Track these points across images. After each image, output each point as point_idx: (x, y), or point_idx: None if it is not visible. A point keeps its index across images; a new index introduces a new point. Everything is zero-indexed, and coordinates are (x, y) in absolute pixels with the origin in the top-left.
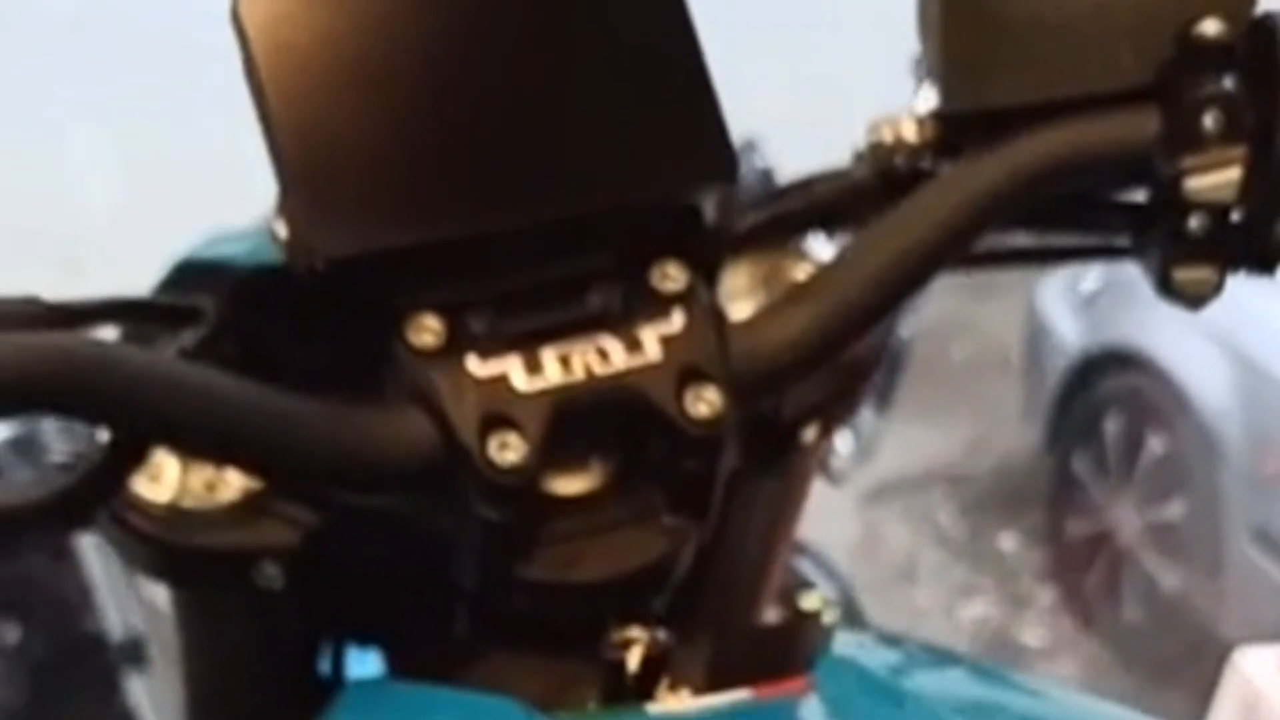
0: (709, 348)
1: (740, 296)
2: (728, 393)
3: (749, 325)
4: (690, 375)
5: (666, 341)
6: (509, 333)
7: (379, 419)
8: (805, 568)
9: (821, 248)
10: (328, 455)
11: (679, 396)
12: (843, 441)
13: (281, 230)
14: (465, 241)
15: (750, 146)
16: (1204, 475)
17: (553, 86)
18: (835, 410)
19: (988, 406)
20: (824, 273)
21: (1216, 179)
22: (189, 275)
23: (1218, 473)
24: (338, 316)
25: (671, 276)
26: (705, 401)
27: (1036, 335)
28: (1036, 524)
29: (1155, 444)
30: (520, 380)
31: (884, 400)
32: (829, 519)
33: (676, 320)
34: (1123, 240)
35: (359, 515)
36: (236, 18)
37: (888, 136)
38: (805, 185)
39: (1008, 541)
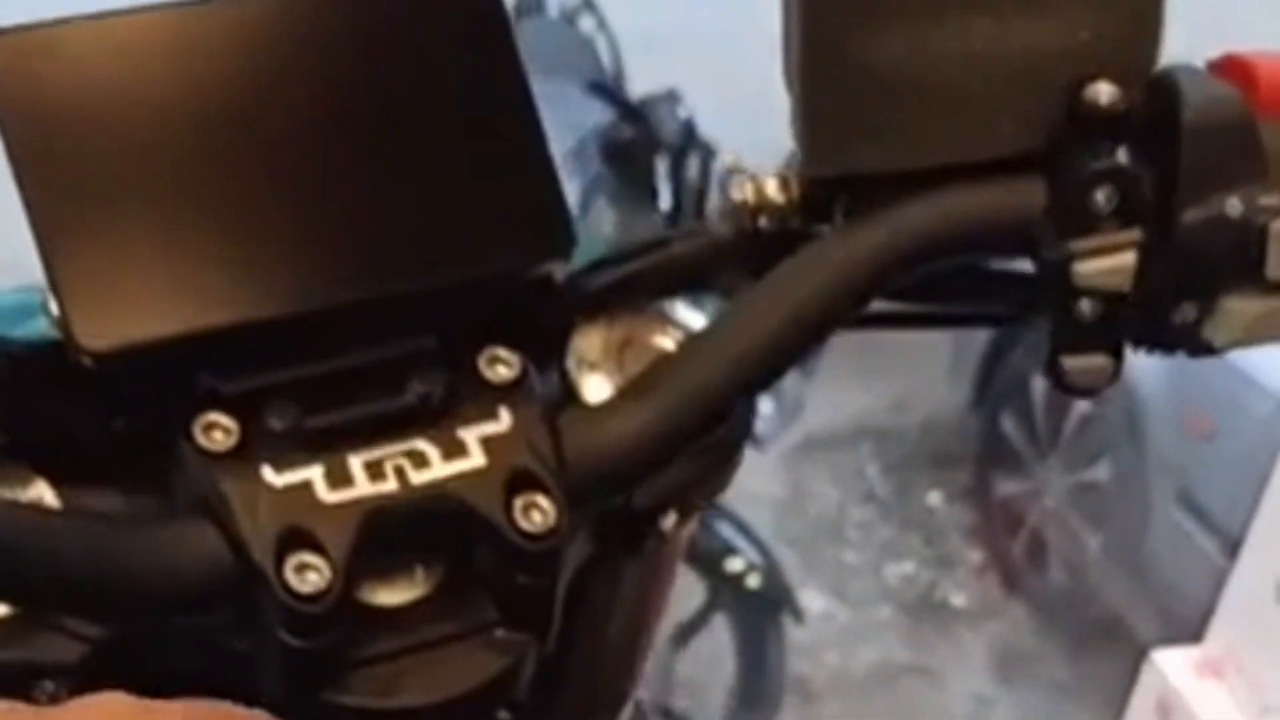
0: (541, 449)
1: (593, 365)
2: (563, 500)
3: (590, 418)
4: (520, 482)
5: (492, 442)
6: (312, 433)
7: (163, 533)
8: (725, 530)
9: (681, 311)
10: (100, 577)
11: (507, 506)
12: (766, 404)
13: (54, 306)
14: (260, 326)
15: (672, 97)
16: (1130, 436)
17: (365, 145)
18: (698, 494)
19: (915, 363)
20: (679, 352)
21: (1109, 264)
22: None
23: (1143, 434)
24: (120, 406)
25: (502, 363)
26: (537, 511)
27: None
28: (965, 483)
29: (1081, 404)
30: (324, 490)
31: (807, 362)
32: (754, 475)
33: (504, 418)
34: (1012, 309)
35: (150, 630)
36: None
37: (750, 195)
38: (662, 243)
39: (935, 499)
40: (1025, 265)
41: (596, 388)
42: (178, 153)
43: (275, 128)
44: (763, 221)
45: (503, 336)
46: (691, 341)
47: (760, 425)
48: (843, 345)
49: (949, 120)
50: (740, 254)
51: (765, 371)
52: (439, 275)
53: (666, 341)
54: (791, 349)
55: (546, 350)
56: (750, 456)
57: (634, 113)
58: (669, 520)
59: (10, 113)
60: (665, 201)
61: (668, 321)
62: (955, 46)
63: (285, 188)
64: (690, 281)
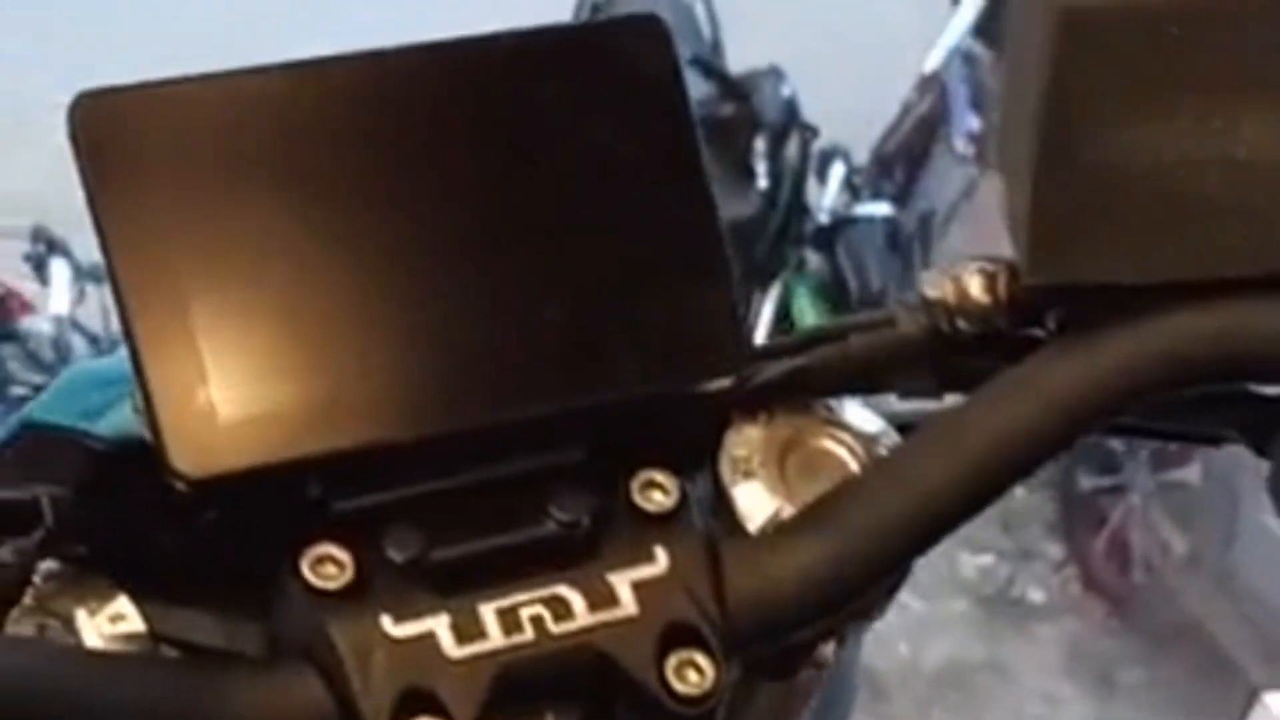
0: (701, 597)
1: (750, 472)
2: (723, 658)
3: (757, 554)
4: (675, 637)
5: (646, 589)
6: (438, 568)
7: (262, 680)
8: None
9: (852, 411)
10: None
11: (660, 663)
12: None
13: (142, 412)
14: (383, 450)
15: (775, 74)
16: None
17: (509, 236)
18: (861, 622)
19: None
20: (866, 477)
21: None
22: (32, 445)
23: None
24: (216, 529)
25: (658, 489)
26: (694, 670)
27: None
28: (1048, 475)
29: None
30: (450, 644)
31: None
32: None
33: (660, 558)
34: (1240, 433)
35: None
36: (75, 135)
37: (950, 294)
38: (837, 334)
39: (1017, 490)
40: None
41: (755, 499)
42: (293, 244)
43: (404, 215)
44: (961, 323)
45: (658, 454)
46: (883, 465)
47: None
48: None
49: (1209, 229)
50: (929, 355)
51: (971, 503)
52: (593, 394)
53: (836, 447)
54: (1002, 479)
55: (698, 454)
56: None
57: (735, 89)
58: (829, 648)
59: (102, 189)
60: (762, 181)
61: (837, 423)
62: (1221, 148)
63: (416, 286)
64: (867, 380)
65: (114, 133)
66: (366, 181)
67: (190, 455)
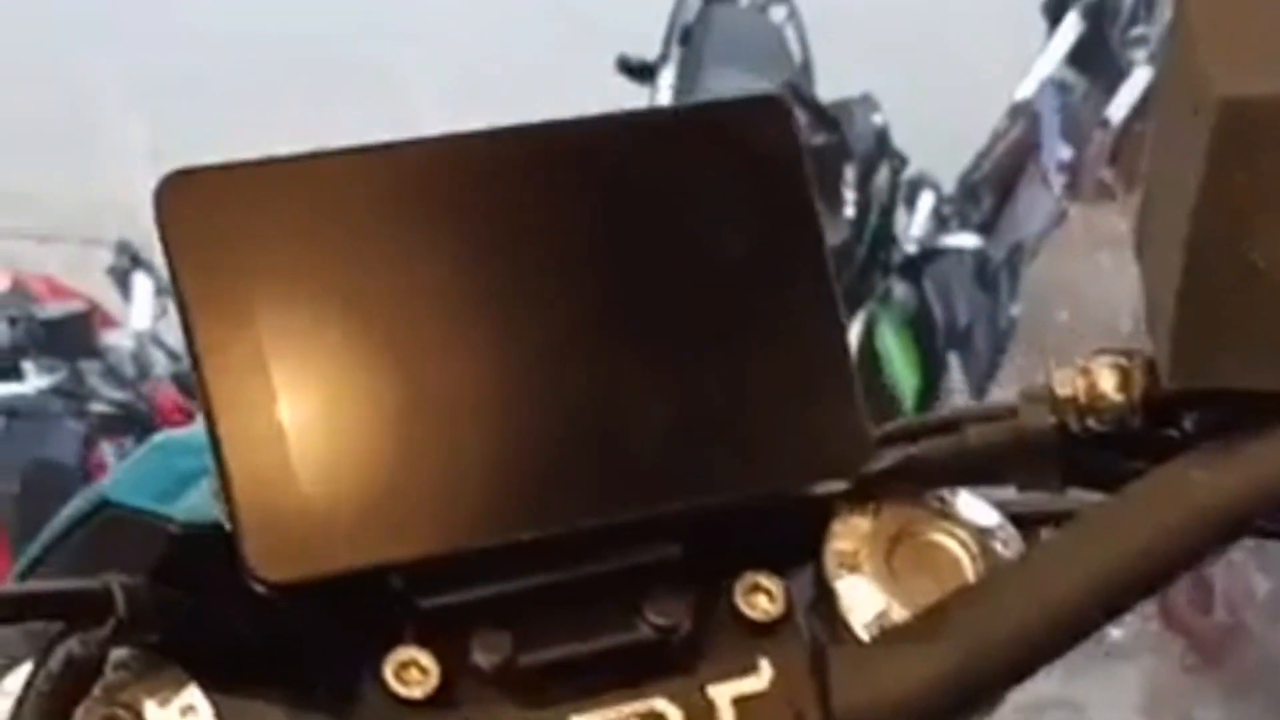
0: (808, 713)
1: (855, 566)
2: None
3: (867, 666)
4: None
5: (749, 705)
6: (526, 675)
7: None
8: None
9: (966, 502)
10: None
11: None
12: None
13: (221, 507)
14: (471, 554)
15: (868, 103)
16: None
17: (608, 326)
18: None
19: None
20: (993, 581)
21: None
22: (107, 526)
23: None
24: (296, 628)
25: (763, 593)
26: None
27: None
28: None
29: None
30: None
31: (982, 383)
32: None
33: (764, 671)
34: None
35: None
36: (162, 214)
37: (1080, 391)
38: (952, 424)
39: None
40: None
41: (861, 596)
42: (382, 335)
43: (501, 306)
44: (1091, 421)
45: (762, 554)
46: (1009, 569)
47: None
48: (1013, 353)
49: None
50: (1052, 449)
51: (1104, 614)
52: (695, 498)
53: (949, 542)
54: (1140, 589)
55: (802, 548)
56: None
57: (826, 117)
58: None
59: (187, 272)
60: (849, 210)
61: (950, 516)
62: None
63: (510, 381)
64: (983, 472)
65: (201, 213)
66: (462, 270)
67: (272, 558)
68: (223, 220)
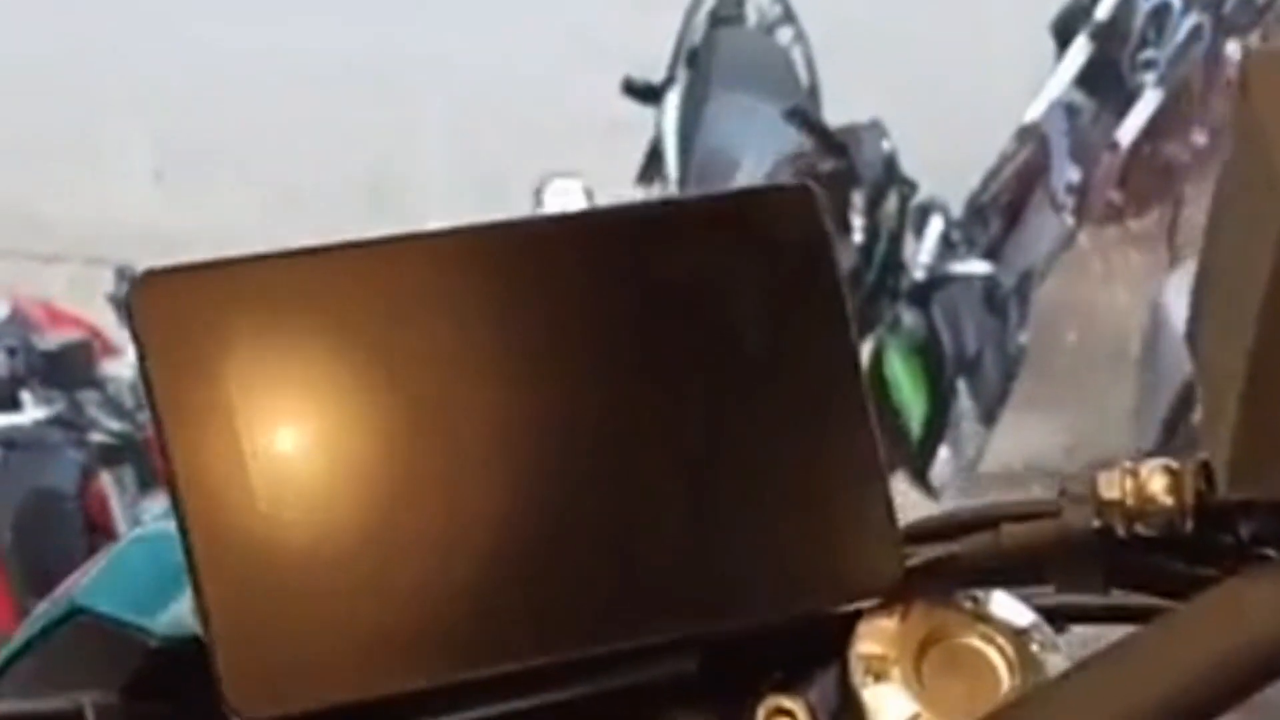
0: None
1: (883, 674)
2: None
3: None
4: None
5: None
6: None
7: None
8: None
9: (1000, 603)
10: None
11: None
12: (944, 450)
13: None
14: (465, 686)
15: (876, 129)
16: None
17: (632, 445)
18: None
19: (1099, 402)
20: (1040, 696)
21: None
22: (80, 635)
23: None
24: None
25: (787, 717)
26: None
27: (1159, 331)
28: None
29: None
30: None
31: (991, 411)
32: (920, 509)
33: None
34: None
35: None
36: (134, 319)
37: (1129, 494)
38: (987, 521)
39: None
40: None
41: (889, 705)
42: (371, 448)
43: (502, 413)
44: (1139, 526)
45: (791, 684)
46: (1052, 692)
47: (938, 472)
48: (1023, 376)
49: None
50: (1096, 551)
51: None
52: (719, 622)
53: (983, 645)
54: (1198, 712)
55: (825, 656)
56: (920, 501)
57: (834, 142)
58: None
59: (162, 373)
60: (857, 236)
61: (983, 617)
62: None
63: (512, 494)
64: (1021, 572)
65: (174, 316)
66: (458, 371)
67: (252, 695)
68: (196, 322)
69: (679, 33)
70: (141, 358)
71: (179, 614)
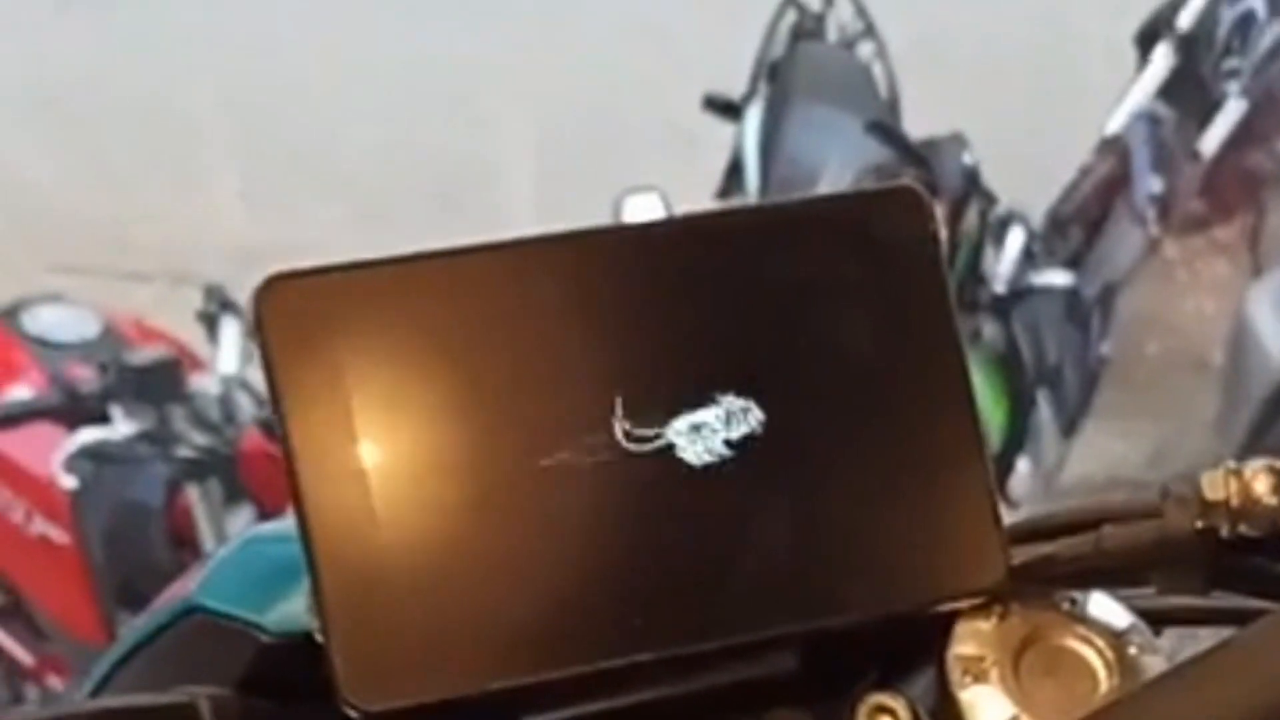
0: None
1: (982, 674)
2: None
3: None
4: None
5: None
6: None
7: None
8: None
9: (1099, 605)
10: None
11: None
12: (1023, 463)
13: (316, 627)
14: (571, 681)
15: (957, 141)
16: None
17: (743, 447)
18: None
19: (1182, 410)
20: (1137, 702)
21: None
22: (195, 633)
23: None
24: None
25: (888, 714)
26: None
27: (1241, 340)
28: None
29: None
30: None
31: (1073, 422)
32: None
33: None
34: None
35: None
36: (261, 320)
37: (1234, 495)
38: (1089, 522)
39: None
40: None
41: (987, 706)
42: (485, 449)
43: (614, 413)
44: (1243, 527)
45: (892, 682)
46: (1156, 691)
47: (1017, 484)
48: (1104, 386)
49: None
50: (1199, 554)
51: None
52: (821, 620)
53: (1081, 647)
54: None
55: (924, 655)
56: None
57: (915, 155)
58: None
59: (286, 373)
60: None
61: (1082, 619)
62: None
63: (621, 496)
64: (1121, 574)
65: (297, 315)
66: (570, 373)
67: (367, 687)
68: (318, 323)
69: (760, 47)
70: (266, 358)
71: (289, 612)
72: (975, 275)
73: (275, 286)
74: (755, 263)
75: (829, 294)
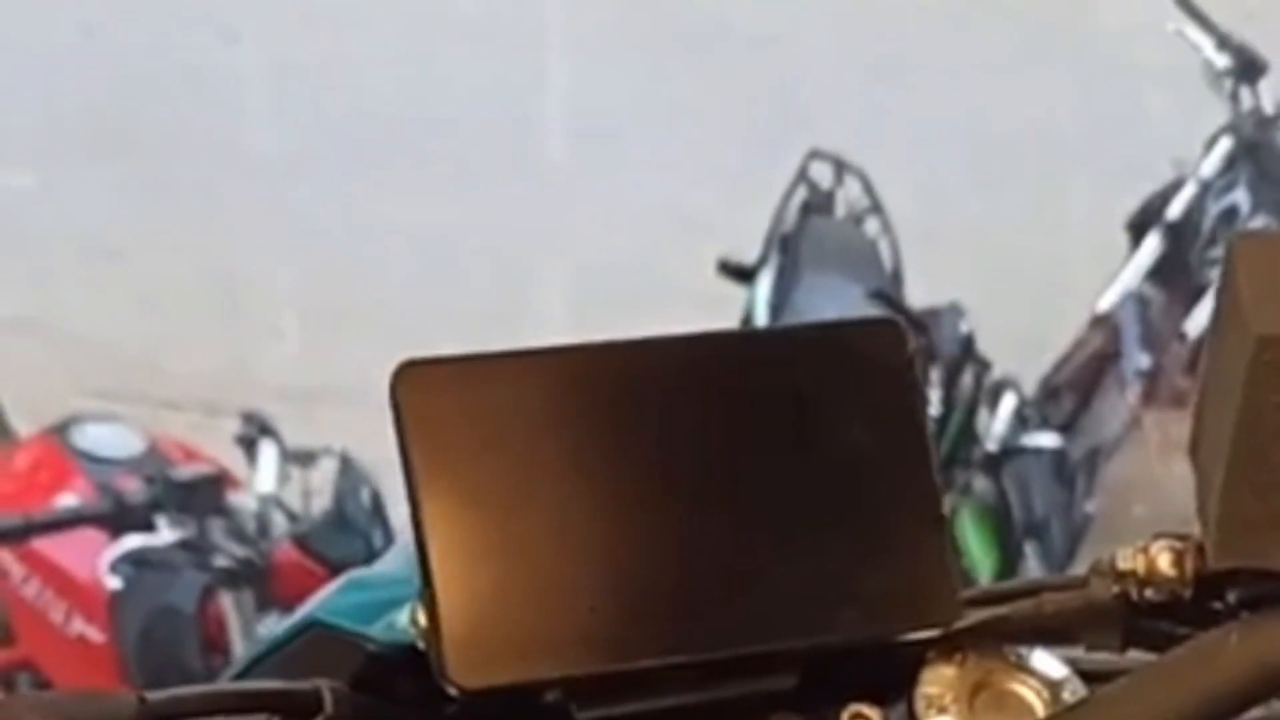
0: None
1: (942, 709)
2: None
3: None
4: None
5: None
6: None
7: None
8: None
9: (1039, 659)
10: None
11: None
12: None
13: (422, 618)
14: (632, 674)
15: (955, 311)
16: None
17: (757, 497)
18: None
19: None
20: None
21: None
22: (315, 641)
23: None
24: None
25: None
26: None
27: None
28: None
29: None
30: None
31: (1059, 571)
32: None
33: None
34: None
35: None
36: (395, 396)
37: (1141, 567)
38: (1030, 590)
39: None
40: None
41: None
42: (574, 503)
43: (664, 488)
44: (1149, 592)
45: (865, 689)
46: (1074, 711)
47: None
48: (1093, 545)
49: None
50: (1116, 616)
51: None
52: (818, 636)
53: (1024, 691)
54: None
55: (897, 687)
56: None
57: (915, 322)
58: None
59: (419, 451)
60: (934, 409)
61: (1026, 669)
62: None
63: (672, 538)
64: (1056, 633)
65: (432, 401)
66: (630, 456)
67: (467, 669)
68: (445, 405)
69: (772, 220)
70: (400, 430)
71: (395, 628)
72: (969, 434)
73: (408, 373)
74: (761, 376)
75: (820, 403)
